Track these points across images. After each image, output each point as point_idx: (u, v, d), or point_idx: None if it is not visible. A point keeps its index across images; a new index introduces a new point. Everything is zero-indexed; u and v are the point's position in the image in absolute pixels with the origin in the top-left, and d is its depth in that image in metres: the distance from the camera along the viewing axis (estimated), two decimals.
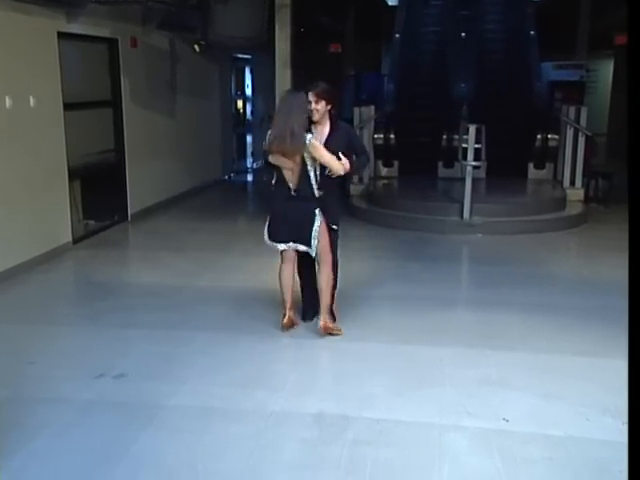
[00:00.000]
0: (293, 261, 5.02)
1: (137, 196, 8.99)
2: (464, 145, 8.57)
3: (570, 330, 5.20)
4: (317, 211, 4.73)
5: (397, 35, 12.94)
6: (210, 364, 4.51)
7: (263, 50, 9.30)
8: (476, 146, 8.42)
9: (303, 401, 3.99)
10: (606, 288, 6.22)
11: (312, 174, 4.68)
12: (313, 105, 4.84)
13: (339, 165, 4.69)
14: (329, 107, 4.94)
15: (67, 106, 7.29)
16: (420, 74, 12.56)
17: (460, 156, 8.88)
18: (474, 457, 3.44)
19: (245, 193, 12.94)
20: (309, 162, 4.64)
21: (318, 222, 4.73)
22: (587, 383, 4.26)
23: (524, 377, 4.35)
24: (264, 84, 12.49)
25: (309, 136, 4.61)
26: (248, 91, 14.37)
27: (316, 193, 4.72)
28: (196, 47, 8.46)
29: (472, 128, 8.31)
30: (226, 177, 12.99)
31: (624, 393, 4.17)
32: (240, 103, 14.02)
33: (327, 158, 4.65)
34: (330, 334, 4.90)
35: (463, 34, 12.59)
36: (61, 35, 7.10)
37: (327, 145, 4.88)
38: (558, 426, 3.72)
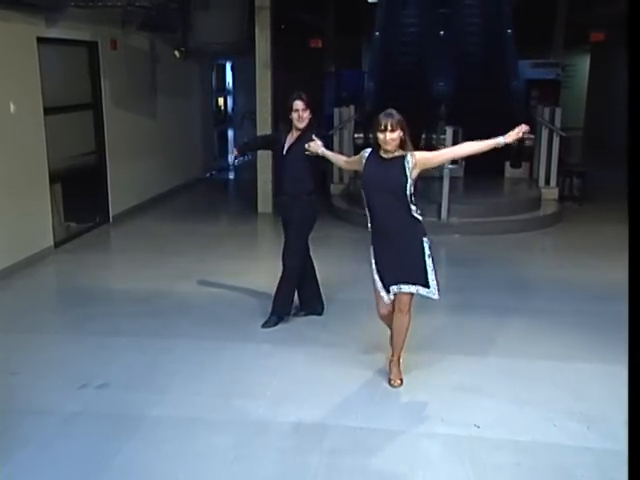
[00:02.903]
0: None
1: (118, 197, 9.04)
2: (441, 147, 8.67)
3: (542, 334, 5.35)
4: None
5: (377, 33, 13.01)
6: (192, 373, 4.61)
7: (244, 53, 9.34)
8: None
9: (282, 410, 4.10)
10: (578, 291, 6.39)
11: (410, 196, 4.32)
12: (300, 113, 5.07)
13: None
14: (311, 117, 5.15)
15: (47, 110, 7.34)
16: (399, 72, 12.64)
17: None
18: (446, 464, 3.58)
19: (226, 191, 12.99)
20: None
21: None
22: (556, 388, 4.41)
23: (496, 383, 4.49)
24: (245, 80, 12.53)
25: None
26: (229, 87, 14.41)
27: None
28: (176, 53, 8.50)
29: (449, 130, 8.43)
30: (208, 175, 13.04)
31: (590, 398, 4.35)
32: (221, 100, 14.06)
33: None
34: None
35: (442, 32, 12.70)
36: (40, 40, 7.13)
37: (291, 149, 5.17)
38: (527, 432, 3.87)
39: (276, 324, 5.42)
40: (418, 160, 4.15)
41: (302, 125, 5.12)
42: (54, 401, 4.23)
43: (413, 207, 4.20)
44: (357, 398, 4.27)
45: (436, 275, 4.27)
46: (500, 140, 4.19)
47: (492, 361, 4.84)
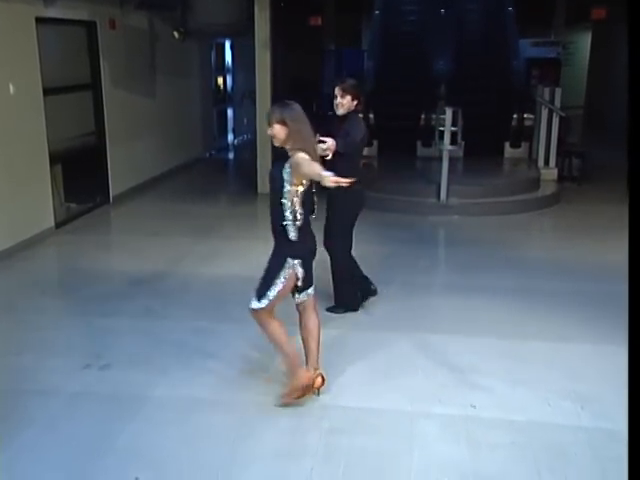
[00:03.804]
0: None
1: (118, 178, 9.07)
2: (441, 128, 8.68)
3: (539, 315, 5.41)
4: None
5: (377, 11, 12.94)
6: (192, 354, 4.67)
7: (243, 34, 9.29)
8: (453, 129, 8.52)
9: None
10: (575, 271, 6.46)
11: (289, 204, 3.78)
12: (338, 99, 4.94)
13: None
14: (355, 102, 5.00)
15: (47, 91, 7.34)
16: (399, 52, 12.58)
17: (437, 139, 9.00)
18: (443, 443, 3.66)
19: (226, 171, 12.96)
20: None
21: None
22: (551, 368, 4.48)
23: (492, 363, 4.55)
24: (245, 59, 12.49)
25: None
26: (229, 66, 14.37)
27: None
28: (175, 34, 8.47)
29: (449, 111, 8.42)
30: (208, 154, 13.04)
31: (585, 378, 4.41)
32: (220, 79, 14.02)
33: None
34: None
35: (442, 10, 12.61)
36: (39, 20, 7.11)
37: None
38: (522, 412, 3.94)
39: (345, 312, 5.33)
40: (293, 164, 3.64)
41: (340, 112, 5.01)
42: (58, 382, 4.29)
43: (287, 221, 3.74)
44: (356, 379, 4.32)
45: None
46: (327, 175, 3.39)
47: (489, 342, 4.90)
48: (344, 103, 4.98)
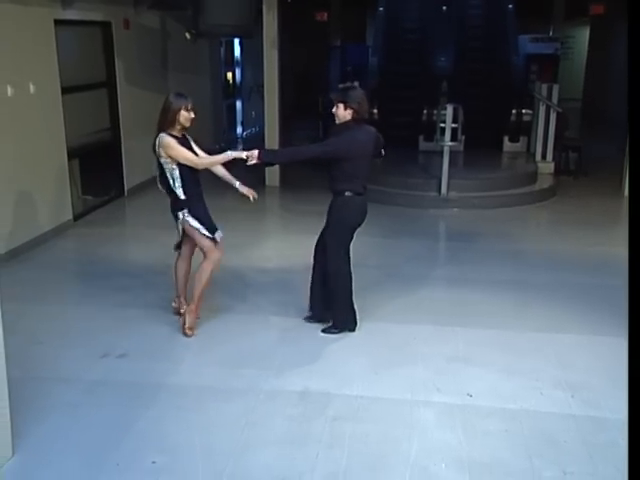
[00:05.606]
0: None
1: (133, 171, 9.33)
2: (442, 125, 8.88)
3: (533, 307, 5.66)
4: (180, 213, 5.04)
5: (381, 8, 13.11)
6: (205, 343, 4.90)
7: (252, 35, 9.50)
8: (453, 125, 8.72)
9: (290, 380, 4.38)
10: (568, 264, 6.71)
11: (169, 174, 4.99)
12: (334, 109, 4.66)
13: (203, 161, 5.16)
14: (349, 111, 4.60)
15: (65, 90, 7.60)
16: (402, 48, 12.77)
17: (437, 135, 9.20)
18: (440, 431, 3.86)
19: (236, 163, 13.17)
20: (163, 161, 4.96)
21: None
22: (543, 358, 4.72)
23: (488, 353, 4.79)
24: (253, 53, 12.69)
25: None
26: (237, 61, 14.58)
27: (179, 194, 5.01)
28: (187, 35, 8.73)
29: (449, 108, 8.60)
30: (217, 147, 13.25)
31: (576, 367, 4.69)
32: (230, 74, 14.24)
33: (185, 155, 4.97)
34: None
35: (444, 7, 12.77)
36: (57, 22, 7.36)
37: None
38: (515, 400, 4.16)
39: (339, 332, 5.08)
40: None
41: (337, 122, 4.72)
42: (77, 370, 4.47)
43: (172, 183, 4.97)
44: (359, 369, 4.53)
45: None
46: (229, 153, 5.10)
47: (484, 332, 5.13)
48: (338, 114, 4.64)
